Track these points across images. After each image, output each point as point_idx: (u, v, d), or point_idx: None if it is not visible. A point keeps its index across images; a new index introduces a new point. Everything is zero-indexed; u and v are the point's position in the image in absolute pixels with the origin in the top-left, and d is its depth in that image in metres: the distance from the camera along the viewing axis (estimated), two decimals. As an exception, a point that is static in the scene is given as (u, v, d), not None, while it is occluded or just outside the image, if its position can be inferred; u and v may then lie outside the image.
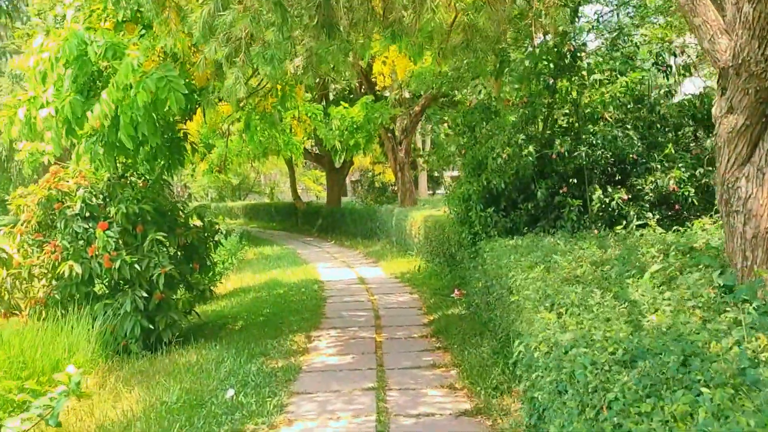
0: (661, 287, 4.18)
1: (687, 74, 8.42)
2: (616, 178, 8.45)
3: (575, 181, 8.30)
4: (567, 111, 8.06)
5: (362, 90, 20.50)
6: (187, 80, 8.19)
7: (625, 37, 9.17)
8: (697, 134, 8.61)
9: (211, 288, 11.40)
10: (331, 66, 6.18)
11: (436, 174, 50.78)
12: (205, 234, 10.22)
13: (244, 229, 19.92)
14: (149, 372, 7.78)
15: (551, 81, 7.93)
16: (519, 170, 8.01)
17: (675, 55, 8.57)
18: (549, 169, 8.16)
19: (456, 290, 12.29)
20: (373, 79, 19.14)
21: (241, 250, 20.90)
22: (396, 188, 23.11)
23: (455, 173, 59.84)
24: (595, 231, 7.43)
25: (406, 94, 20.39)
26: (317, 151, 29.82)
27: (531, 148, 7.64)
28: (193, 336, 9.80)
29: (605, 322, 3.34)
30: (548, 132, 8.32)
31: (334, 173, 29.37)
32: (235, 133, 14.27)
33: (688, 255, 5.52)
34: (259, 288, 14.51)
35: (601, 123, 7.96)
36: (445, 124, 21.76)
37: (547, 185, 7.99)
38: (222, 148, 14.19)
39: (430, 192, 46.20)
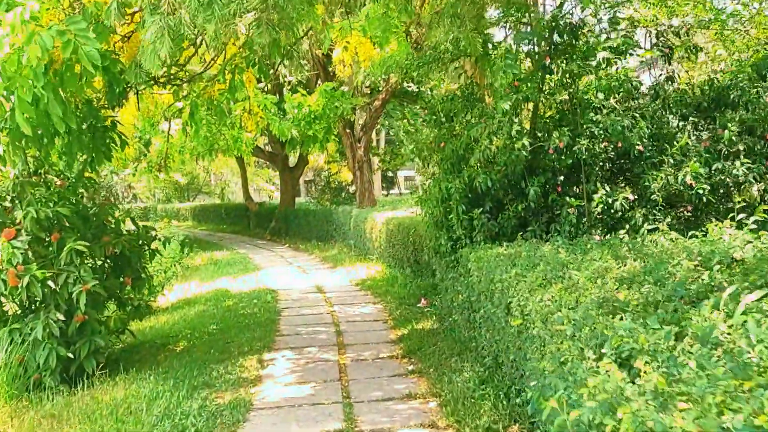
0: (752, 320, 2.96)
1: (694, 57, 7.33)
2: (611, 175, 7.31)
3: (568, 178, 7.14)
4: (564, 98, 6.85)
5: (317, 83, 19.12)
6: (110, 53, 6.79)
7: (620, 17, 8.01)
8: (700, 126, 7.52)
9: (149, 303, 9.93)
10: (293, 27, 4.88)
11: (390, 174, 49.68)
12: (140, 242, 8.76)
13: (187, 236, 18.28)
14: (63, 416, 6.29)
15: (548, 61, 6.72)
16: (508, 165, 6.79)
17: (679, 36, 7.46)
18: (541, 164, 6.96)
19: (423, 299, 11.07)
20: (331, 70, 17.78)
21: (187, 256, 19.30)
22: (354, 188, 21.81)
23: (409, 173, 58.47)
24: (596, 236, 6.25)
25: (366, 89, 19.12)
26: (270, 149, 28.30)
27: (525, 140, 6.42)
28: (124, 362, 8.36)
29: (727, 395, 2.11)
30: (544, 121, 7.12)
31: (288, 172, 27.87)
32: (178, 126, 12.77)
33: (739, 269, 4.39)
34: (205, 300, 13.03)
35: (604, 111, 6.78)
36: (405, 120, 20.52)
37: (540, 183, 6.79)
38: (162, 143, 12.65)
39: (384, 192, 45.08)
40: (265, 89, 12.28)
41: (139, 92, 9.87)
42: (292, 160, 30.13)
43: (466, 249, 6.95)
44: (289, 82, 21.26)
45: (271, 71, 15.13)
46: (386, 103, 19.49)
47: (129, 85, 8.39)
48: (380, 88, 19.20)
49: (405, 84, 23.44)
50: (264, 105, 12.69)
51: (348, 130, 18.99)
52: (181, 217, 40.42)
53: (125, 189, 48.90)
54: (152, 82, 8.73)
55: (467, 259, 6.81)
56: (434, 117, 8.05)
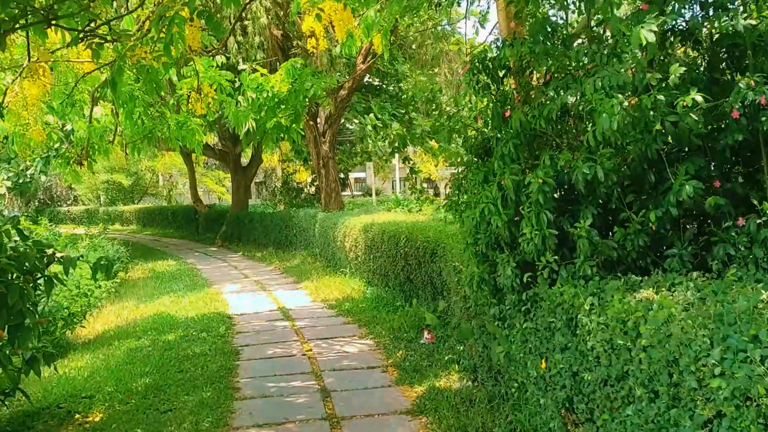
0: None
1: None
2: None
3: (728, 166, 4.21)
4: None
5: (272, 69, 15.78)
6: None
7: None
8: None
9: (51, 351, 6.59)
10: None
11: (341, 175, 46.43)
12: (26, 268, 5.48)
13: (113, 254, 14.64)
14: None
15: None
16: (635, 144, 3.82)
17: None
18: (693, 142, 3.96)
19: (426, 333, 8.06)
20: (292, 54, 14.59)
21: (126, 270, 15.84)
22: (318, 188, 18.61)
23: (360, 174, 54.87)
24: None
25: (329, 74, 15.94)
26: (221, 147, 24.83)
27: (696, 95, 3.43)
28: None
29: None
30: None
31: (241, 173, 24.46)
32: (105, 106, 9.43)
33: None
34: (141, 330, 9.71)
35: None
36: (371, 114, 17.44)
37: (690, 173, 3.81)
38: (83, 129, 9.24)
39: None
40: (220, 65, 8.97)
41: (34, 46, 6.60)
42: (245, 159, 26.72)
43: (568, 288, 3.90)
44: (241, 72, 17.89)
45: (220, 42, 11.87)
46: (353, 93, 16.35)
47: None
48: (346, 76, 16.09)
49: (367, 78, 20.38)
50: (217, 83, 9.34)
51: (311, 122, 15.81)
52: (125, 220, 36.34)
53: (65, 190, 44.42)
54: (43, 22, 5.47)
55: (573, 306, 3.78)
56: (480, 76, 4.97)
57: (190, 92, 9.35)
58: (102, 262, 5.93)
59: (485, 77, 5.09)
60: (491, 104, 4.79)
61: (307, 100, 10.29)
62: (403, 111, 17.93)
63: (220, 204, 32.46)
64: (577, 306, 3.72)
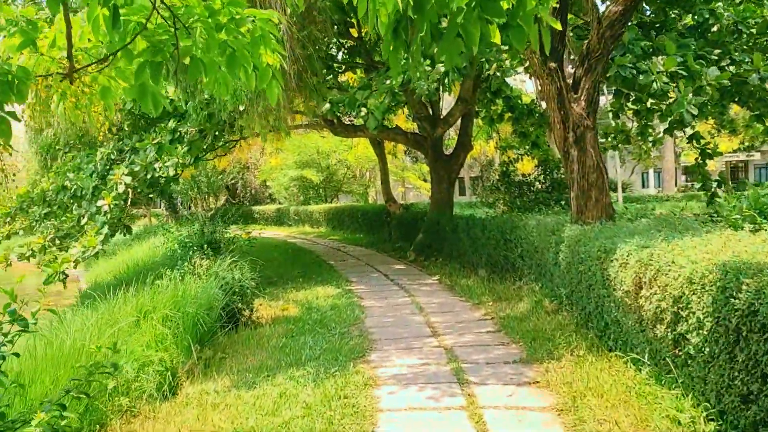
0: None
1: None
2: None
3: None
4: None
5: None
6: None
7: None
8: None
9: None
10: None
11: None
12: None
13: (221, 288, 9.26)
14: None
15: None
16: None
17: None
18: None
19: None
20: None
21: (252, 308, 10.43)
22: (564, 180, 11.92)
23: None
24: None
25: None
26: (416, 130, 19.07)
27: None
28: None
29: None
30: None
31: (441, 163, 18.41)
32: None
33: None
34: None
35: None
36: (661, 57, 10.38)
37: None
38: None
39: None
40: None
41: None
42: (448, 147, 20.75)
43: None
44: None
45: None
46: (631, 13, 9.39)
47: None
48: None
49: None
50: None
51: (551, 65, 9.22)
52: (315, 221, 32.14)
53: (259, 187, 41.89)
54: None
55: None
56: None
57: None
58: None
59: None
60: None
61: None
62: (718, 51, 10.69)
63: (424, 203, 26.64)
64: None
